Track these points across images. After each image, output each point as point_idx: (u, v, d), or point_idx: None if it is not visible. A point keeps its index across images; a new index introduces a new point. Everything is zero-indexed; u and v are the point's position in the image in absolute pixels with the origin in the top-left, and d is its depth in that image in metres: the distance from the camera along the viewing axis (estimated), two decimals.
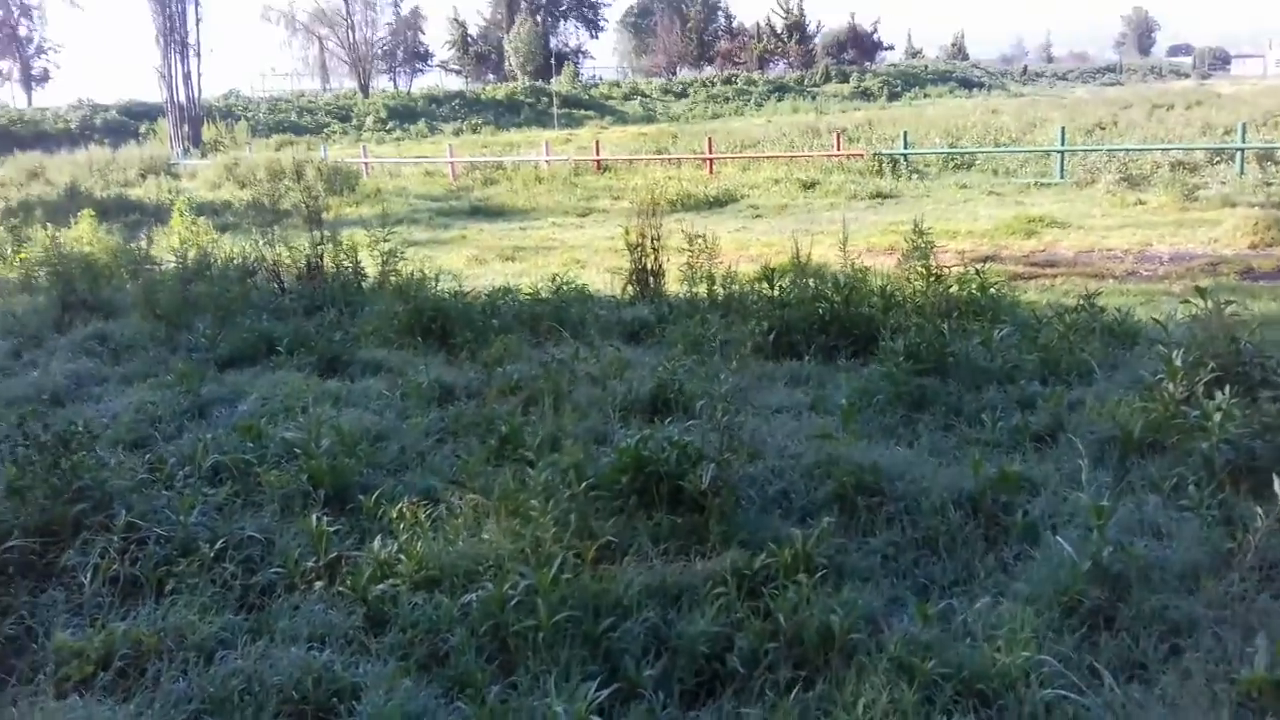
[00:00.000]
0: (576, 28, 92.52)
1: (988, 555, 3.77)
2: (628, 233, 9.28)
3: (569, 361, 6.20)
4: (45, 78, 72.67)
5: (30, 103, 66.63)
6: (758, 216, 17.48)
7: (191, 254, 9.77)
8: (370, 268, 9.68)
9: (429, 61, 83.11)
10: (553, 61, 70.03)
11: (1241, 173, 17.22)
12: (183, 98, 44.85)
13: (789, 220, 16.55)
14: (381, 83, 78.23)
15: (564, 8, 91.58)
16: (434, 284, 8.57)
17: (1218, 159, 18.97)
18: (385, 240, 9.57)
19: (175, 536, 4.00)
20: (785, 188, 20.30)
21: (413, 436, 5.20)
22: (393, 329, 7.59)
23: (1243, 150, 18.01)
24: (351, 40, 72.43)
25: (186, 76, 45.15)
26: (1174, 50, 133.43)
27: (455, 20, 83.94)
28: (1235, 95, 37.20)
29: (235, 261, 9.90)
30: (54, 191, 23.59)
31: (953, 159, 22.29)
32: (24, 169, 30.28)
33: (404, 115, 57.25)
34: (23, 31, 71.09)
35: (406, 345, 7.34)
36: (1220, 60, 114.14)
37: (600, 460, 4.38)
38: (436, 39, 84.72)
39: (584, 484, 3.97)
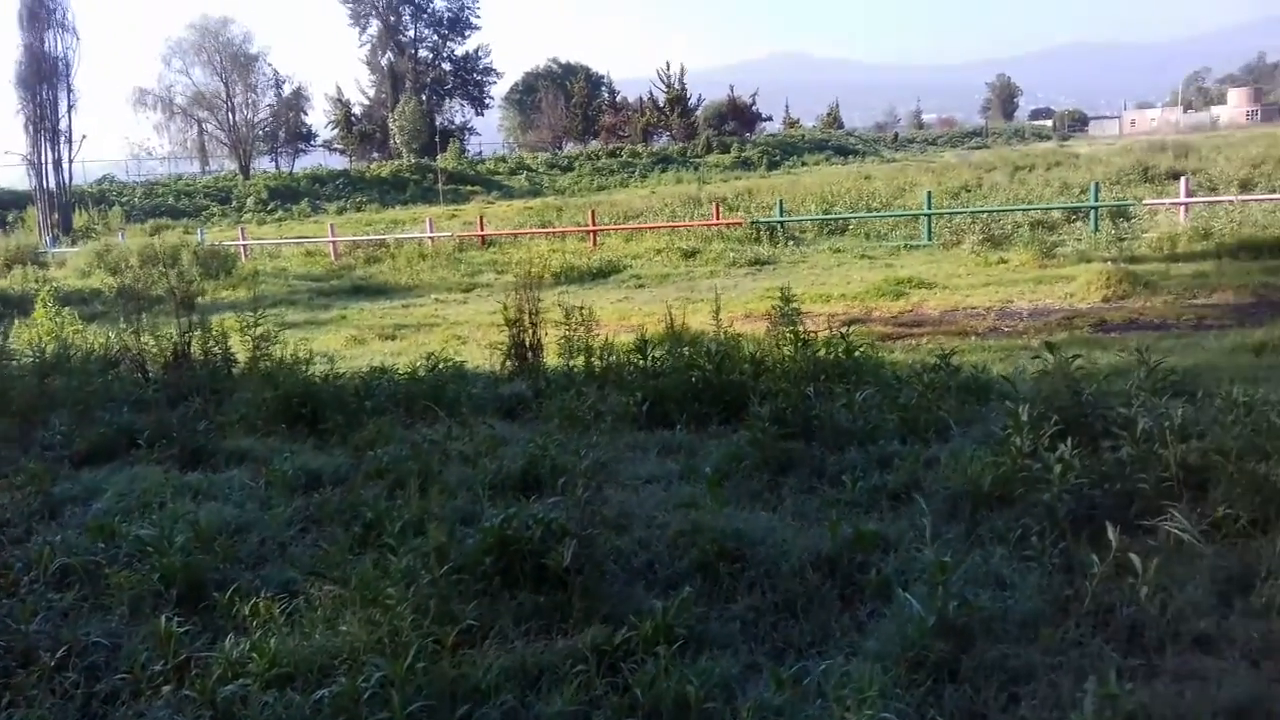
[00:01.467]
0: (462, 105, 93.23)
1: (843, 615, 3.85)
2: (505, 308, 9.31)
3: (441, 441, 6.16)
4: None
5: None
6: (640, 286, 17.72)
7: (50, 346, 9.41)
8: (241, 353, 9.48)
9: (312, 141, 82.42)
10: (438, 139, 70.21)
11: (1096, 230, 18.19)
12: (53, 184, 43.59)
13: (670, 289, 16.82)
14: (263, 164, 77.21)
15: (449, 86, 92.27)
16: (306, 367, 8.44)
17: (1074, 217, 20.03)
18: (257, 324, 9.39)
19: (15, 647, 3.81)
20: (667, 257, 20.66)
21: (274, 527, 5.08)
22: (260, 416, 7.43)
23: (1096, 209, 19.05)
24: (232, 122, 71.47)
25: (57, 163, 43.95)
26: (1035, 114, 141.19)
27: (339, 100, 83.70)
28: (1092, 155, 39.40)
29: (97, 352, 9.57)
30: None
31: (827, 225, 23.03)
32: None
33: (286, 196, 56.59)
34: None
35: (274, 432, 7.18)
36: (1079, 122, 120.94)
37: (465, 541, 4.34)
38: (320, 119, 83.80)
39: (446, 567, 3.93)
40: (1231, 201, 18.17)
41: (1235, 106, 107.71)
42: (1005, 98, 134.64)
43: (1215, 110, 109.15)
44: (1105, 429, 5.12)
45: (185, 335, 9.18)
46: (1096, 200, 19.28)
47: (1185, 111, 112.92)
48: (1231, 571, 3.85)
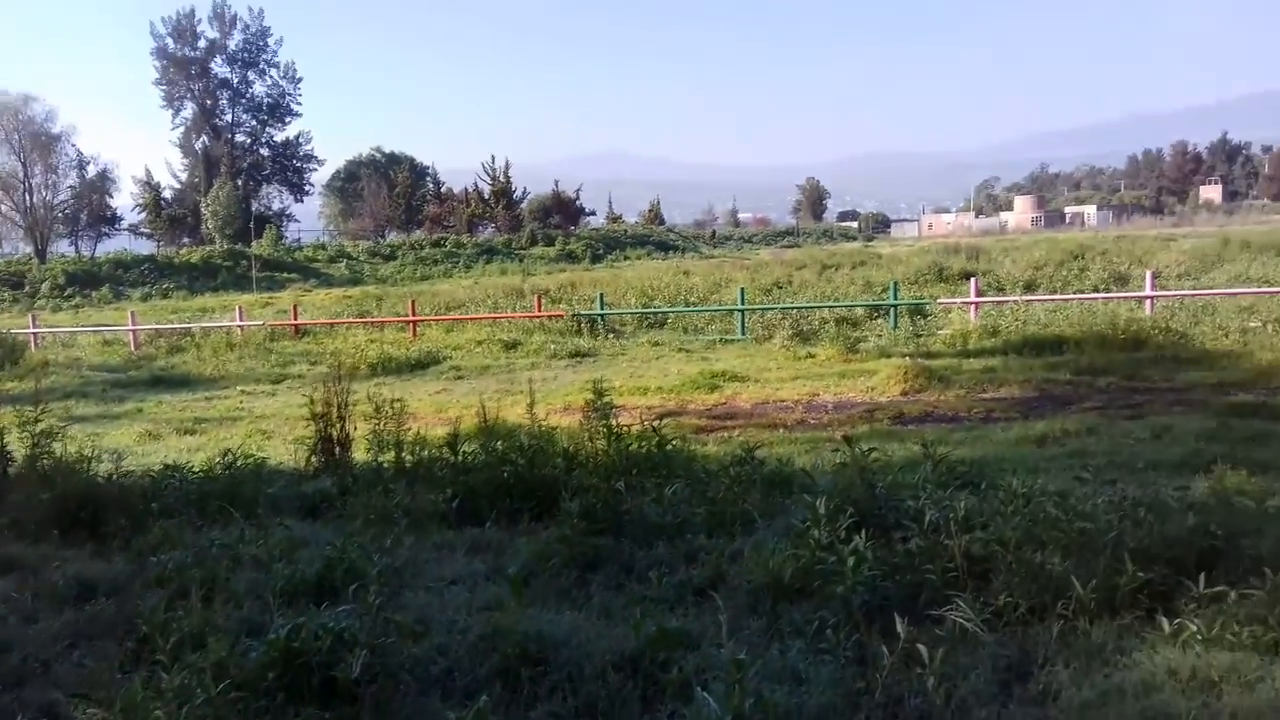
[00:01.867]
0: (280, 191, 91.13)
1: (644, 717, 3.80)
2: (312, 401, 8.98)
3: (232, 545, 5.81)
4: None
5: None
6: (459, 378, 17.52)
7: None
8: (19, 451, 8.76)
9: (117, 225, 78.60)
10: (253, 224, 68.21)
11: (895, 326, 19.24)
12: None
13: (490, 381, 16.70)
14: (62, 247, 72.98)
15: (267, 171, 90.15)
16: (90, 465, 7.86)
17: (876, 314, 21.14)
18: (38, 419, 8.71)
19: None
20: (488, 348, 20.56)
21: (38, 644, 4.65)
22: (34, 520, 6.84)
23: (895, 306, 20.17)
24: (28, 203, 67.48)
25: None
26: (842, 215, 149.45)
27: (147, 183, 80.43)
28: (893, 255, 41.94)
29: None
30: None
31: (647, 318, 23.50)
32: None
33: (85, 281, 53.54)
34: None
35: (48, 538, 6.62)
36: (882, 224, 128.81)
37: (249, 655, 4.07)
38: (127, 201, 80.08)
39: (224, 684, 3.67)
40: (1016, 301, 19.60)
41: (1021, 213, 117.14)
42: (815, 200, 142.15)
43: (1004, 216, 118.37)
44: (897, 520, 5.32)
45: None
46: (896, 298, 20.43)
47: (977, 216, 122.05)
48: (1011, 659, 4.01)
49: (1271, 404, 10.64)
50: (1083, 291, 22.78)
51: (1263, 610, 4.12)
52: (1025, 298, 20.26)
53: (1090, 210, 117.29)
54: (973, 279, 21.11)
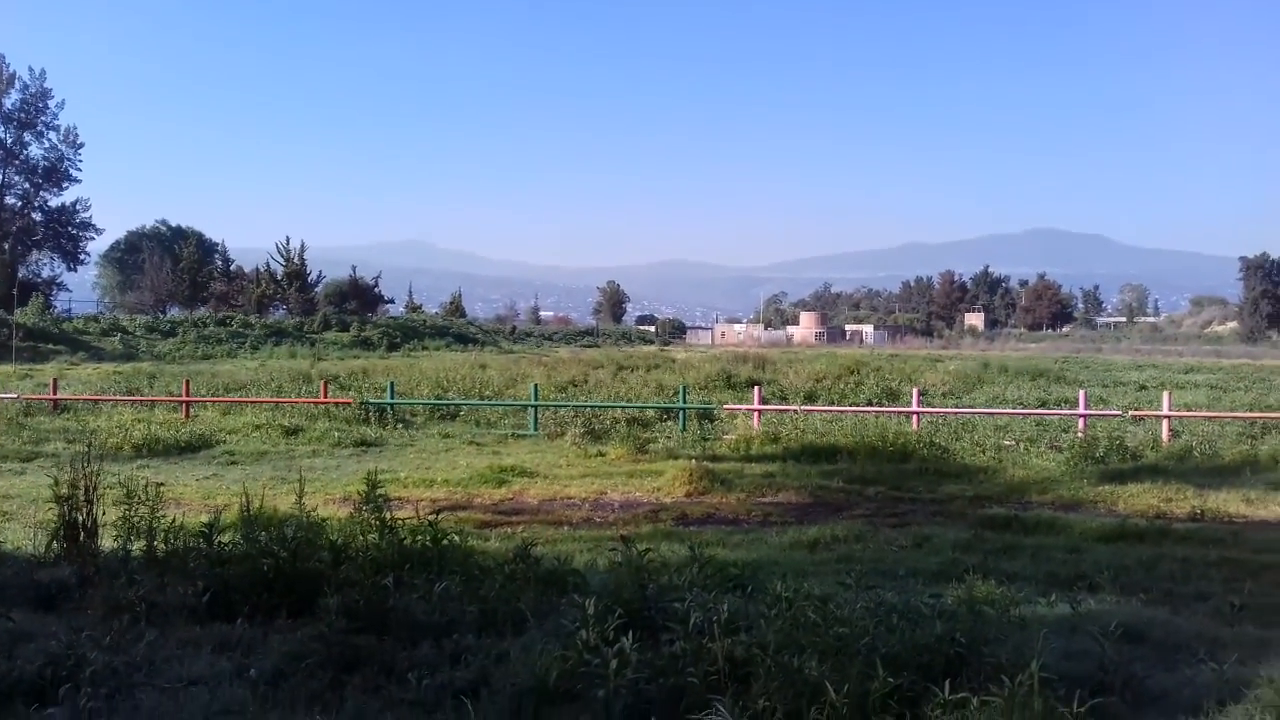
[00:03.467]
0: (52, 258, 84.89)
1: None
2: (57, 482, 8.26)
3: None
4: None
5: None
6: (233, 463, 16.60)
7: None
8: None
9: None
10: (16, 291, 63.13)
11: (684, 429, 19.66)
12: None
13: (266, 467, 15.91)
14: None
15: (38, 236, 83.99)
16: None
17: (666, 416, 21.55)
18: None
19: None
20: (267, 433, 19.63)
21: None
22: None
23: (684, 409, 20.65)
24: None
25: None
26: (641, 319, 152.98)
27: None
28: (687, 361, 43.09)
29: None
30: None
31: (439, 409, 23.10)
32: None
33: None
34: None
35: None
36: (678, 330, 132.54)
37: None
38: None
39: None
40: (797, 410, 20.46)
41: (806, 327, 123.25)
42: (615, 302, 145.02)
43: (790, 329, 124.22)
44: (664, 623, 5.33)
45: None
46: (685, 402, 20.93)
47: (765, 328, 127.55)
48: None
49: (1022, 517, 11.44)
50: (858, 404, 24.06)
51: (1001, 718, 4.32)
52: (805, 408, 21.17)
53: (868, 329, 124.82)
54: (757, 387, 21.92)
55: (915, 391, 20.85)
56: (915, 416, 19.54)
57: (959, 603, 5.83)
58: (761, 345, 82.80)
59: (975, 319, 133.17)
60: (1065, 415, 20.44)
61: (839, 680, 4.51)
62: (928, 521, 11.49)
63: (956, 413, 21.26)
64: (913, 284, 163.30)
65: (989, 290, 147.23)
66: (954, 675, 4.70)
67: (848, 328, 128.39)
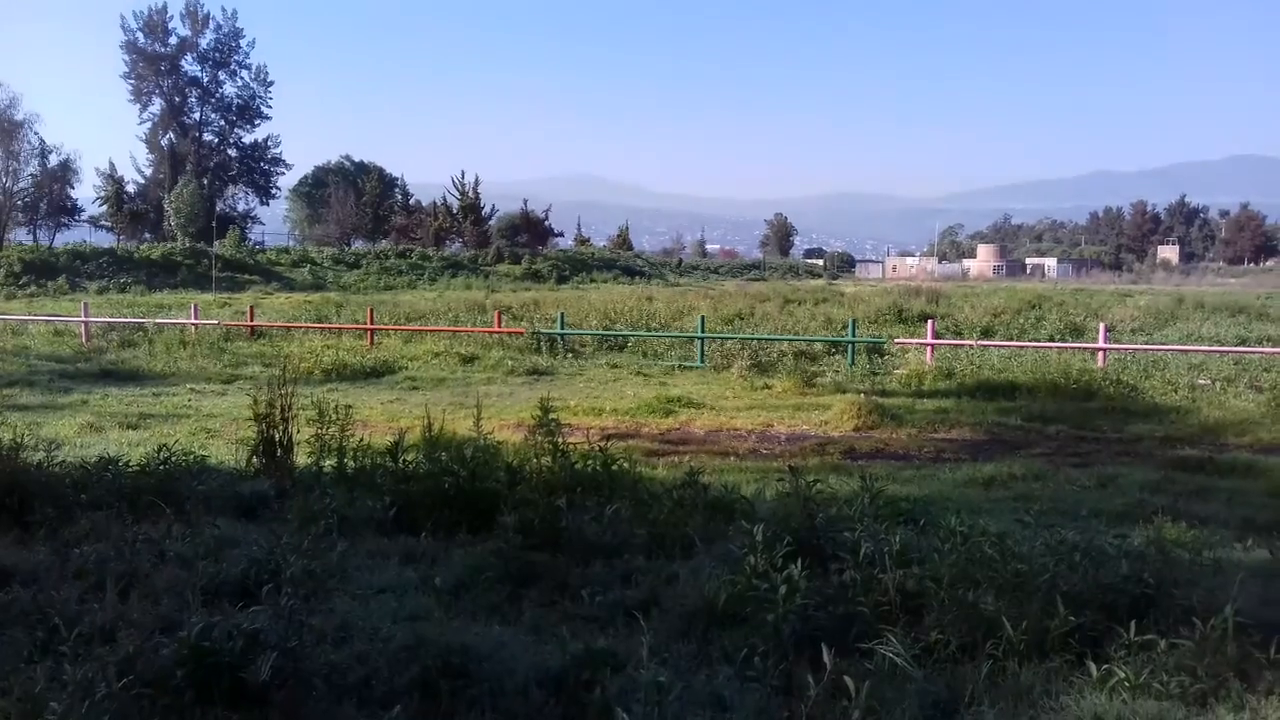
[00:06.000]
0: (246, 193, 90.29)
1: None
2: (256, 401, 8.82)
3: (158, 540, 5.66)
4: None
5: None
6: (414, 389, 17.34)
7: None
8: None
9: (77, 216, 77.26)
10: (216, 224, 67.38)
11: (852, 363, 19.32)
12: None
13: (445, 393, 16.53)
14: (20, 236, 71.53)
15: (233, 172, 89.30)
16: (21, 453, 7.64)
17: (834, 350, 21.21)
18: None
19: None
20: (445, 361, 20.40)
21: None
22: None
23: (853, 343, 20.26)
24: None
25: None
26: (809, 253, 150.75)
27: (110, 176, 79.25)
28: (856, 295, 42.20)
29: None
30: None
31: (607, 340, 23.44)
32: None
33: (42, 271, 52.51)
34: None
35: None
36: (847, 264, 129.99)
37: (160, 652, 3.94)
38: (89, 194, 78.77)
39: (125, 680, 3.54)
40: (973, 345, 19.77)
41: (983, 260, 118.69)
42: (782, 236, 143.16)
43: (966, 263, 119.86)
44: (834, 552, 5.28)
45: None
46: (854, 336, 20.53)
47: (940, 261, 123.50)
48: (939, 696, 3.97)
49: (1216, 460, 10.76)
50: (1038, 340, 23.04)
51: (1191, 660, 4.11)
52: (981, 342, 20.44)
53: (1050, 262, 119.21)
54: (930, 321, 21.25)
55: (1102, 327, 19.78)
56: (1101, 353, 18.57)
57: (1146, 544, 5.54)
58: (935, 279, 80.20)
59: (1169, 252, 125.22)
60: (1268, 354, 19.03)
61: (1016, 616, 4.39)
62: (1112, 462, 10.93)
63: (1147, 349, 20.10)
64: (1100, 215, 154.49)
65: (1185, 221, 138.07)
66: (1140, 617, 4.48)
67: (1029, 261, 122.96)
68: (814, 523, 5.55)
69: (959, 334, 24.11)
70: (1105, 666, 4.09)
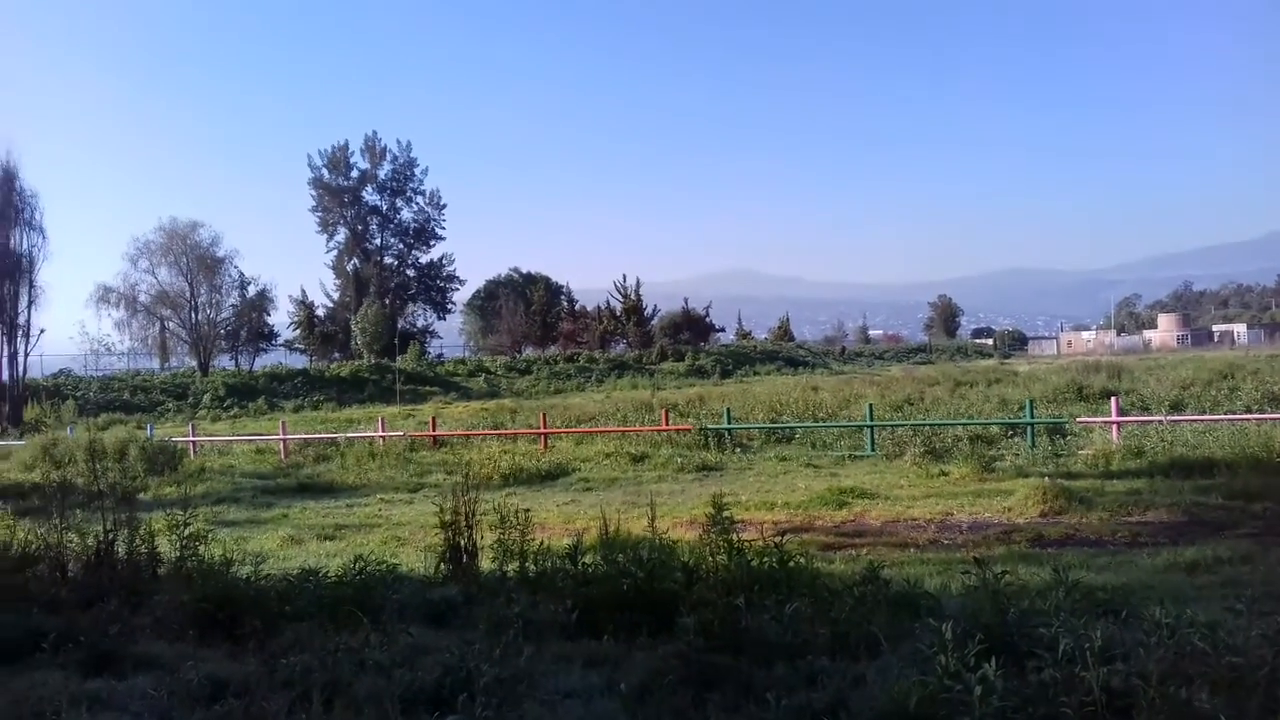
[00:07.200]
0: (424, 309, 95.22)
1: None
2: (442, 510, 9.21)
3: (357, 649, 5.94)
4: None
5: None
6: (588, 489, 17.66)
7: None
8: (169, 553, 9.21)
9: (274, 341, 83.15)
10: (398, 340, 71.15)
11: (1033, 445, 18.57)
12: (5, 377, 43.42)
13: (618, 493, 16.77)
14: (223, 362, 77.38)
15: (412, 291, 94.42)
16: (231, 569, 8.20)
17: (1012, 433, 20.44)
18: (188, 522, 9.17)
19: None
20: (616, 461, 20.72)
21: None
22: (177, 620, 7.15)
23: (1032, 425, 19.50)
24: (194, 320, 72.12)
25: (12, 356, 44.02)
26: (977, 332, 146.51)
27: (302, 302, 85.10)
28: (1030, 373, 40.63)
29: (16, 549, 9.25)
30: None
31: (774, 433, 23.31)
32: None
33: (243, 393, 56.50)
34: None
35: (188, 638, 6.90)
36: (1018, 341, 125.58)
37: None
38: (283, 319, 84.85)
39: None
40: (1162, 421, 18.72)
41: (1165, 330, 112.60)
42: (947, 316, 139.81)
43: (1147, 334, 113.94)
44: (1029, 649, 5.07)
45: (110, 533, 8.92)
46: (1032, 416, 19.77)
47: (1118, 334, 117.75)
48: None
49: None
50: (1234, 412, 21.55)
51: None
52: (1172, 418, 19.32)
53: (1240, 329, 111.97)
54: (1114, 397, 20.25)
55: None
56: None
57: None
58: (1115, 353, 76.50)
59: None
60: None
61: (1235, 715, 4.11)
62: None
63: None
64: None
65: None
66: None
67: (1215, 328, 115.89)
68: (1005, 617, 5.35)
69: (1146, 409, 22.84)
70: None
